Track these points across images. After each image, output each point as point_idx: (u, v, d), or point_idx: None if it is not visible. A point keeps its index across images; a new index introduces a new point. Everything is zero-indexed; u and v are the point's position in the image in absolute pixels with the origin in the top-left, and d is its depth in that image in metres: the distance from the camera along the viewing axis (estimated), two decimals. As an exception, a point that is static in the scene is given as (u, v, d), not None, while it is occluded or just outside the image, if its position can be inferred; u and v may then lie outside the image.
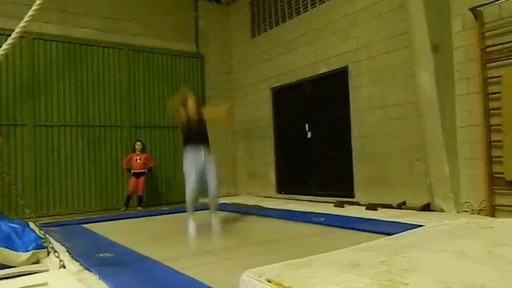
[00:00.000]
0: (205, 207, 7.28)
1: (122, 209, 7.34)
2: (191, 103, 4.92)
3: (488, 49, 4.92)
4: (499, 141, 4.79)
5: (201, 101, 5.37)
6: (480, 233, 2.32)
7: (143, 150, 7.72)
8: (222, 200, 8.11)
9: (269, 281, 1.58)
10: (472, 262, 1.71)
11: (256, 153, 8.96)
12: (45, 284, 2.75)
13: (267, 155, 8.62)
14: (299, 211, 6.05)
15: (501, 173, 4.77)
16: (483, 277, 1.52)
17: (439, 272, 1.59)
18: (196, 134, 4.90)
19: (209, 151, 4.99)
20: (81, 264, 3.28)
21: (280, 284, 1.54)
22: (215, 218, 5.01)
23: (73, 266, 3.25)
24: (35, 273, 3.11)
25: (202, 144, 4.92)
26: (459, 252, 1.87)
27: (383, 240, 2.50)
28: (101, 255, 3.62)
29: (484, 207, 4.93)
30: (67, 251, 3.74)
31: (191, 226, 4.80)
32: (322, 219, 5.25)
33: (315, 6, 7.45)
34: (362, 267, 1.68)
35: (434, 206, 5.40)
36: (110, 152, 7.84)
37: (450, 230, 2.49)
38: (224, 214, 6.57)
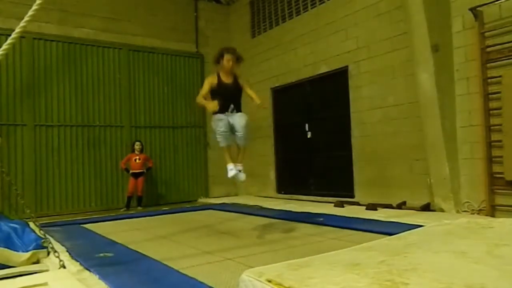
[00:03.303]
0: (207, 207, 7.33)
1: (122, 210, 7.34)
2: (227, 63, 4.50)
3: (488, 49, 4.91)
4: (499, 141, 4.79)
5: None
6: (480, 233, 2.32)
7: (142, 150, 7.71)
8: (222, 200, 8.15)
9: (269, 281, 1.58)
10: (472, 262, 1.71)
11: (256, 153, 8.94)
12: (45, 284, 2.75)
13: (267, 155, 8.61)
14: (299, 211, 6.04)
15: (501, 173, 4.77)
16: (483, 277, 1.52)
17: (440, 272, 1.59)
18: (227, 95, 4.48)
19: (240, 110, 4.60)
20: (81, 264, 3.28)
21: (280, 284, 1.53)
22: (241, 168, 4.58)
23: (73, 266, 3.24)
24: (35, 273, 3.11)
25: (233, 104, 4.50)
26: (460, 252, 1.87)
27: (384, 240, 2.50)
28: (101, 255, 3.62)
29: (484, 207, 4.93)
30: (67, 251, 3.74)
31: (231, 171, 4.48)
32: (322, 219, 5.25)
33: (315, 6, 7.45)
34: (362, 267, 1.68)
35: (434, 206, 5.40)
36: (110, 152, 7.84)
37: (450, 230, 2.49)
38: (224, 214, 6.58)
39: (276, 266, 1.76)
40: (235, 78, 4.66)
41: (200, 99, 4.54)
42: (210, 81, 4.56)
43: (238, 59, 4.68)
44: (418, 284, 1.46)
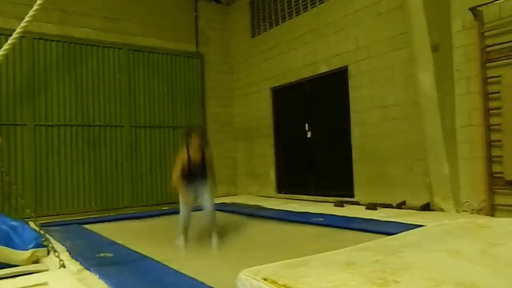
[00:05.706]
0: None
1: None
2: (194, 142, 4.80)
3: (488, 49, 4.91)
4: (499, 141, 4.79)
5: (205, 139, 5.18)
6: (477, 233, 2.33)
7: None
8: (222, 200, 8.14)
9: (265, 279, 1.59)
10: (465, 261, 1.73)
11: (256, 153, 8.96)
12: (45, 284, 2.76)
13: (267, 155, 8.61)
14: (299, 211, 6.05)
15: (501, 173, 4.76)
16: (474, 275, 1.53)
17: (432, 270, 1.60)
18: (195, 170, 4.80)
19: (209, 184, 4.96)
20: (81, 264, 3.29)
21: (275, 282, 1.55)
22: (215, 239, 4.68)
23: (73, 265, 3.26)
24: (35, 272, 3.12)
25: (201, 177, 4.88)
26: (454, 251, 1.87)
27: (381, 240, 2.51)
28: (101, 254, 3.63)
29: (484, 207, 4.92)
30: (67, 250, 3.76)
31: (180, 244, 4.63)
32: (322, 219, 5.25)
33: (315, 6, 7.45)
34: (357, 266, 1.70)
35: (434, 205, 5.40)
36: (110, 152, 7.84)
37: (448, 230, 2.49)
38: (224, 214, 6.59)
39: (273, 265, 1.78)
40: (203, 154, 4.90)
41: (176, 182, 4.76)
42: (181, 159, 4.78)
43: (202, 134, 5.09)
44: (409, 282, 1.47)
